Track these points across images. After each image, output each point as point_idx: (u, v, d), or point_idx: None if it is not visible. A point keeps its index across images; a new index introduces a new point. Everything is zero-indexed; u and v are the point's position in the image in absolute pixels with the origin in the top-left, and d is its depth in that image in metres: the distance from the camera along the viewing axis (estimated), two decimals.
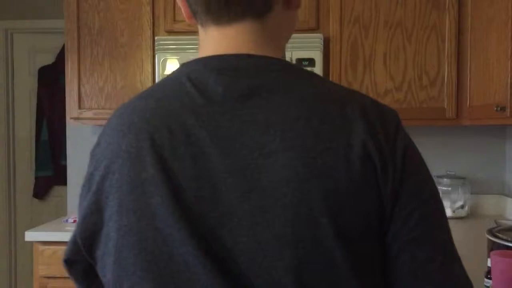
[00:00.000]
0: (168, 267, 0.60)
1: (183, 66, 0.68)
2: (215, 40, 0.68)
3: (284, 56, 0.74)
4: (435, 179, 2.49)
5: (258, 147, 0.60)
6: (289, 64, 0.71)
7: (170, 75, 0.70)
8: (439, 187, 2.47)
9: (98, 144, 0.73)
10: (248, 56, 0.66)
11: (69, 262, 0.74)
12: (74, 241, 0.71)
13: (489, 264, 1.22)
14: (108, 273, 0.66)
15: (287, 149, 0.60)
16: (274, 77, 0.65)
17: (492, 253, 1.20)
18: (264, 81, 0.64)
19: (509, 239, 1.28)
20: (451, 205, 2.46)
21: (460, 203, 2.46)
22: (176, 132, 0.62)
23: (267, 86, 0.63)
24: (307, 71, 0.71)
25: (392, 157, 0.63)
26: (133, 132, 0.65)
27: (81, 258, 0.71)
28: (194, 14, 0.70)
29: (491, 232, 1.36)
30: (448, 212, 2.44)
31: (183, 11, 0.72)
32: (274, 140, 0.60)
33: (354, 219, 0.59)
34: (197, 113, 0.62)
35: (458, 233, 2.20)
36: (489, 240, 1.33)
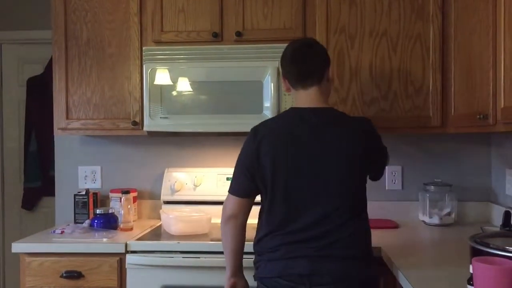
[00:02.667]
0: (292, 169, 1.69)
1: (292, 108, 1.79)
2: (302, 96, 1.77)
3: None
4: (423, 187, 2.52)
5: (325, 141, 1.68)
6: (334, 109, 1.79)
7: (287, 111, 1.80)
8: (426, 195, 2.50)
9: (255, 137, 1.74)
10: (317, 108, 1.75)
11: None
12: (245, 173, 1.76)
13: (471, 270, 1.23)
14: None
15: (338, 142, 1.69)
16: (329, 116, 1.74)
17: (474, 259, 1.21)
18: (325, 119, 1.73)
19: (491, 245, 1.30)
20: (438, 212, 2.47)
21: (447, 210, 2.48)
22: (295, 134, 1.70)
23: (327, 121, 1.72)
24: (339, 112, 1.80)
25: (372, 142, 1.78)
26: (277, 133, 1.73)
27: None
28: (291, 86, 1.79)
29: (473, 238, 1.38)
30: (436, 219, 2.46)
31: (284, 86, 1.85)
32: (331, 139, 1.69)
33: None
34: (303, 128, 1.71)
35: (445, 240, 2.22)
36: (472, 247, 1.35)
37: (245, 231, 1.83)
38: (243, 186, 1.76)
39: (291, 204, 1.68)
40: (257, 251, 1.78)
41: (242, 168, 1.75)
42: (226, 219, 1.82)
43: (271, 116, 2.27)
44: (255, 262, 1.79)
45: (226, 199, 1.82)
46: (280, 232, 1.69)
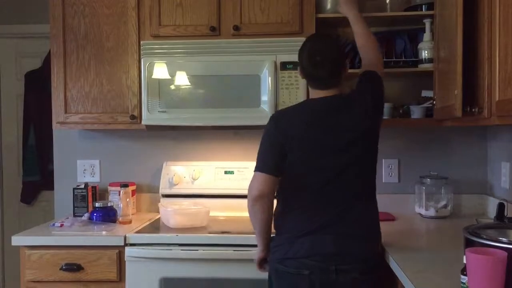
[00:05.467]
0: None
1: (307, 100, 1.94)
2: (318, 93, 1.85)
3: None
4: (419, 180, 2.52)
5: (336, 125, 1.79)
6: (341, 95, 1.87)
7: (302, 102, 1.98)
8: (422, 187, 2.52)
9: (279, 120, 1.85)
10: (330, 96, 1.85)
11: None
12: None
13: (465, 261, 1.25)
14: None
15: (348, 121, 1.79)
16: (340, 102, 1.84)
17: (467, 250, 1.24)
18: (336, 103, 1.84)
19: (484, 236, 1.32)
20: (435, 205, 2.50)
21: (443, 202, 2.51)
22: (309, 120, 1.81)
23: (338, 106, 1.83)
24: (346, 94, 1.88)
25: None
26: (297, 119, 1.83)
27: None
28: (309, 85, 1.89)
29: (467, 230, 1.40)
30: (432, 212, 2.49)
31: (300, 74, 1.91)
32: (339, 122, 1.80)
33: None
34: (314, 114, 1.82)
35: (441, 232, 2.25)
36: (465, 238, 1.37)
37: (272, 208, 1.85)
38: (272, 162, 1.79)
39: (314, 185, 1.77)
40: (278, 230, 1.84)
41: (270, 147, 1.81)
42: (254, 200, 1.81)
43: (269, 110, 2.29)
44: (275, 245, 1.82)
45: (253, 179, 1.81)
46: (303, 210, 1.77)
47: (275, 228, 1.86)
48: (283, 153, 1.78)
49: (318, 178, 1.77)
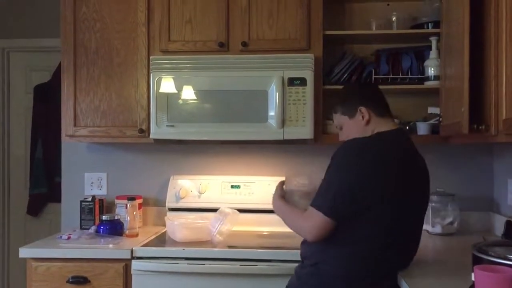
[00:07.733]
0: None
1: (378, 133, 1.80)
2: (382, 123, 1.83)
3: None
4: None
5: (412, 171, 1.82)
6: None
7: (374, 135, 1.80)
8: (429, 204, 2.51)
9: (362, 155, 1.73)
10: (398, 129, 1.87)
11: None
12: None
13: (473, 278, 1.25)
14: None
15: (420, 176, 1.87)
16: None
17: (475, 267, 1.23)
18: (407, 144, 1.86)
19: (493, 253, 1.32)
20: (441, 221, 2.49)
21: (449, 219, 2.50)
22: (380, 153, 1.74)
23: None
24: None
25: None
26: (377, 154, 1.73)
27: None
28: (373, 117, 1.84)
29: (475, 247, 1.40)
30: (438, 229, 2.48)
31: (365, 118, 1.83)
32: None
33: None
34: (386, 149, 1.75)
35: (448, 249, 2.24)
36: (474, 255, 1.37)
37: None
38: None
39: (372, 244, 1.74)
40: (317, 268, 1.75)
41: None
42: None
43: (276, 125, 2.31)
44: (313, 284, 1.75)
45: None
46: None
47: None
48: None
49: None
